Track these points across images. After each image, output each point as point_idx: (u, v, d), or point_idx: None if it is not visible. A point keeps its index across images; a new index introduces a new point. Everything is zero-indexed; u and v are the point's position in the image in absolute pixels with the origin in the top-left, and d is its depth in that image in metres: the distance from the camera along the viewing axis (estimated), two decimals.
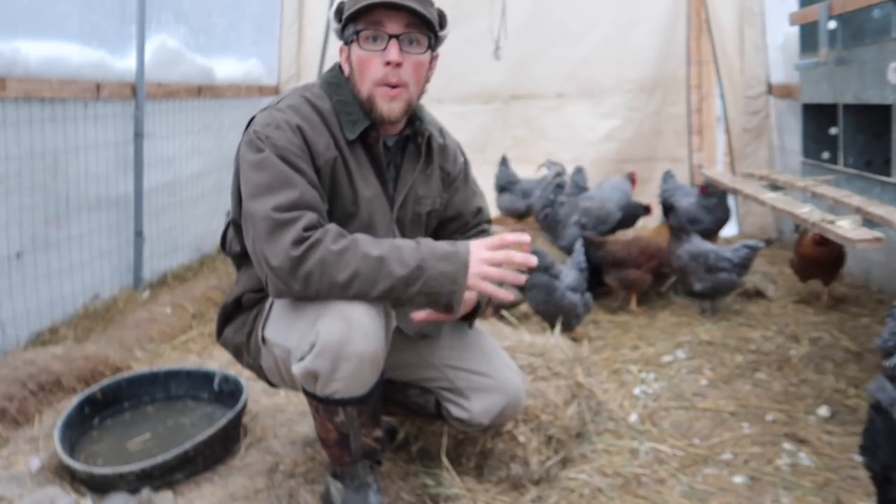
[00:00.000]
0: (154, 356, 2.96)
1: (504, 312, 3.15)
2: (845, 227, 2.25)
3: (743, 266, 3.26)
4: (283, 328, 1.65)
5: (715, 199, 3.95)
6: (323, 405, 1.63)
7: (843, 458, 2.11)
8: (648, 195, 4.64)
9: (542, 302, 3.02)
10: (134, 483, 1.87)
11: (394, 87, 1.64)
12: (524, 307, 3.28)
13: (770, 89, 4.51)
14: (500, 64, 5.00)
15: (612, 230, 4.06)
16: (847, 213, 2.43)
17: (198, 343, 3.15)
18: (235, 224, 1.78)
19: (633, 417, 2.40)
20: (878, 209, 2.31)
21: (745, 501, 1.94)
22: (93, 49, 3.21)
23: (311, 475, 1.97)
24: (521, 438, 2.03)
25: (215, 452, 2.03)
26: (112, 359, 2.70)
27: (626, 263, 3.42)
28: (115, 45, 3.36)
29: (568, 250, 3.65)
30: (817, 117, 3.13)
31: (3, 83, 2.65)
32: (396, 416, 2.11)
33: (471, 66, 5.12)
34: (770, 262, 4.03)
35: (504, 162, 4.98)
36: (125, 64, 3.41)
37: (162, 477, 1.91)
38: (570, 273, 3.14)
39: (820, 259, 3.25)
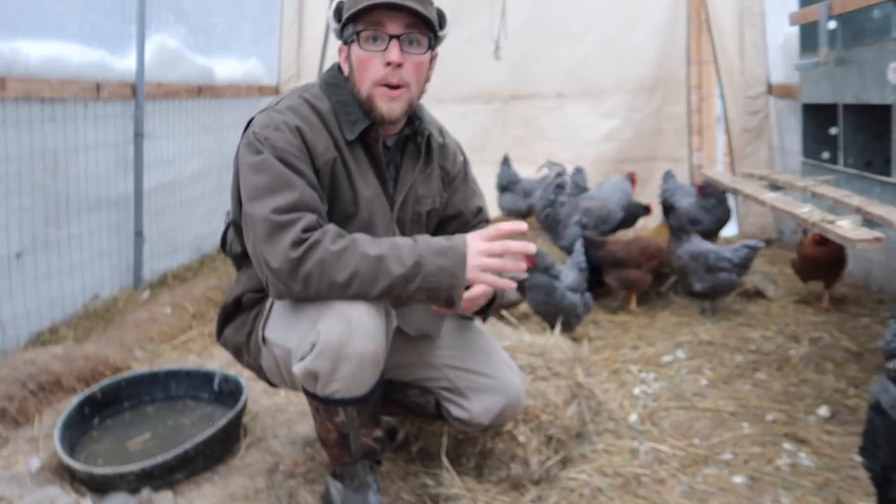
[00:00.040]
0: (154, 356, 2.96)
1: (504, 312, 3.15)
2: (845, 227, 2.25)
3: (743, 266, 3.26)
4: (283, 328, 1.65)
5: (713, 199, 3.95)
6: (323, 405, 1.63)
7: (843, 458, 2.10)
8: (648, 195, 4.64)
9: (542, 302, 3.02)
10: (134, 483, 1.87)
11: (395, 87, 1.64)
12: (524, 307, 3.28)
13: (770, 89, 4.51)
14: (500, 64, 5.00)
15: (614, 230, 4.06)
16: (847, 213, 2.43)
17: (198, 343, 3.15)
18: (235, 224, 1.78)
19: (633, 417, 2.40)
20: (878, 209, 2.30)
21: (745, 501, 1.94)
22: (93, 49, 3.21)
23: (311, 475, 1.97)
24: (521, 438, 2.03)
25: (215, 452, 2.03)
26: (112, 359, 2.70)
27: (626, 263, 3.42)
28: (115, 45, 3.36)
29: (569, 250, 3.65)
30: (817, 117, 3.13)
31: (3, 83, 2.65)
32: (396, 416, 2.11)
33: (471, 66, 5.12)
34: (770, 262, 4.03)
35: (506, 161, 4.98)
36: (125, 64, 3.41)
37: (162, 477, 1.91)
38: (570, 273, 3.14)
39: (820, 259, 3.25)
